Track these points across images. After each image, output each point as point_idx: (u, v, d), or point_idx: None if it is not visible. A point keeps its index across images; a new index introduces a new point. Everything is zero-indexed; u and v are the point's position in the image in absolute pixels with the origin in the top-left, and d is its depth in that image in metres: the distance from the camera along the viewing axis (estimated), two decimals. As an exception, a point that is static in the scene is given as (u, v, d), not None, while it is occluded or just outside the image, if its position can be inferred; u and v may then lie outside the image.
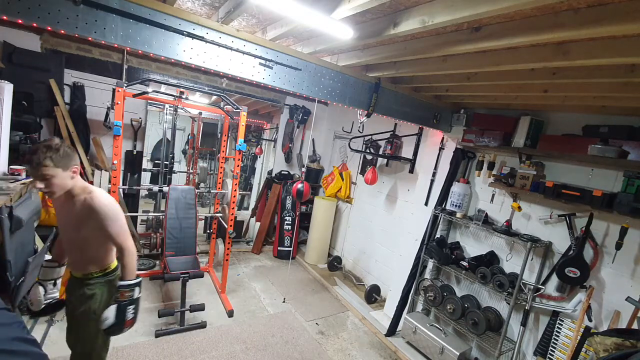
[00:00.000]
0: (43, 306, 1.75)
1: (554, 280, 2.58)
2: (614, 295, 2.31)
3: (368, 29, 1.88)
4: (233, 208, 3.40)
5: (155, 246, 4.16)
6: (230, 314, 3.27)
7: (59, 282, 1.85)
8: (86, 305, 1.68)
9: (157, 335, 2.80)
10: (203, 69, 1.99)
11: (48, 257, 2.56)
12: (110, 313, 1.58)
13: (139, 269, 3.84)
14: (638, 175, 2.09)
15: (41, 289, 1.75)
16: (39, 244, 2.66)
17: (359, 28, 1.90)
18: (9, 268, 1.96)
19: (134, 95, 3.00)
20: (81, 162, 3.52)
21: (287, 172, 5.35)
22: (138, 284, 1.66)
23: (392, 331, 3.41)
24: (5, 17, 1.43)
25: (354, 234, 4.92)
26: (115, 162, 2.73)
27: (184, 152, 7.49)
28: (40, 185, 1.46)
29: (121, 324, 1.61)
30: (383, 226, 4.38)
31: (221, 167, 4.10)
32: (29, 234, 2.37)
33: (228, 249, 3.48)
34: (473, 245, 3.22)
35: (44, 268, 1.83)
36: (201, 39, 1.86)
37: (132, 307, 1.63)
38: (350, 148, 4.39)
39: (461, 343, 3.01)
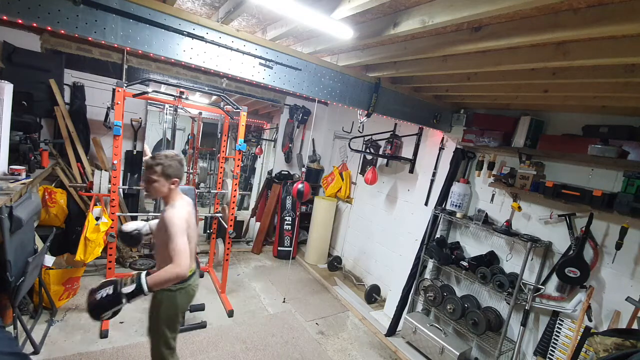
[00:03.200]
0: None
1: (554, 280, 2.58)
2: (614, 295, 2.31)
3: (368, 29, 1.88)
4: (233, 208, 3.40)
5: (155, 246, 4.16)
6: (230, 314, 3.27)
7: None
8: (151, 306, 1.86)
9: (157, 335, 2.79)
10: (203, 69, 1.99)
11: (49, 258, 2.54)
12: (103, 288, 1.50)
13: (139, 268, 3.85)
14: (638, 175, 2.08)
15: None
16: (39, 244, 2.67)
17: (359, 28, 1.90)
18: (9, 268, 1.97)
19: (134, 95, 3.00)
20: (81, 162, 3.52)
21: (287, 172, 5.35)
22: (131, 294, 1.50)
23: (392, 331, 3.41)
24: (5, 17, 1.43)
25: (354, 234, 4.92)
26: (115, 162, 2.73)
27: (184, 152, 7.49)
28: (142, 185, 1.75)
29: (90, 296, 1.51)
30: (383, 226, 4.38)
31: (221, 167, 4.10)
32: (29, 234, 2.38)
33: (228, 249, 3.48)
34: (473, 245, 3.22)
35: None
36: (201, 39, 1.86)
37: (106, 292, 1.49)
38: (350, 148, 4.39)
39: (461, 343, 3.01)
